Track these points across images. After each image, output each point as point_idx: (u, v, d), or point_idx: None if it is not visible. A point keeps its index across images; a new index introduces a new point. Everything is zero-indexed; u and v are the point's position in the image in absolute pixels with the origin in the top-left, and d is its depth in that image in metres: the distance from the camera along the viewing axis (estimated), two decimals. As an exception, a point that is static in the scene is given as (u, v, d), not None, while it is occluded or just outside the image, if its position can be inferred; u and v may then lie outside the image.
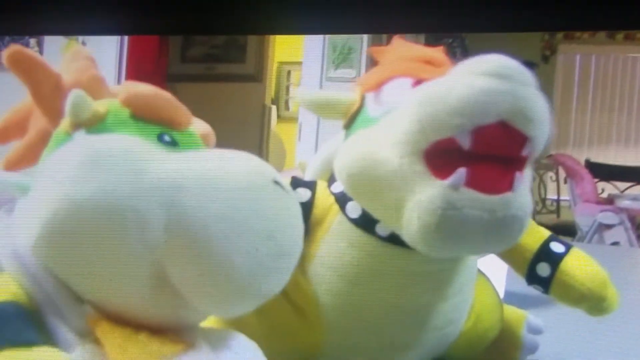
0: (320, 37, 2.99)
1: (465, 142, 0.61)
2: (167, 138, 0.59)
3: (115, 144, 0.57)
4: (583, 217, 3.16)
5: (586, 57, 4.66)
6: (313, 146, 2.96)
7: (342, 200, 0.74)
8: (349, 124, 0.74)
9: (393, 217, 0.66)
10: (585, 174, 3.33)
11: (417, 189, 0.63)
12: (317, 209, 0.75)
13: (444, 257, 0.72)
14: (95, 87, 0.64)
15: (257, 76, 3.89)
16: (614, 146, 4.50)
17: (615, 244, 3.00)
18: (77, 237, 0.54)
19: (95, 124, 0.59)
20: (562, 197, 3.93)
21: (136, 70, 3.03)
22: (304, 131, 3.02)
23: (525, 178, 0.65)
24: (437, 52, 0.76)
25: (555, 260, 0.79)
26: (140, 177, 0.55)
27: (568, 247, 0.81)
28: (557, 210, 3.99)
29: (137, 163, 0.56)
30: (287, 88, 4.41)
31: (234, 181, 0.57)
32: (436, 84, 0.64)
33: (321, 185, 0.77)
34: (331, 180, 0.76)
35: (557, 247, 0.80)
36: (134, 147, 0.57)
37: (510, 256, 0.81)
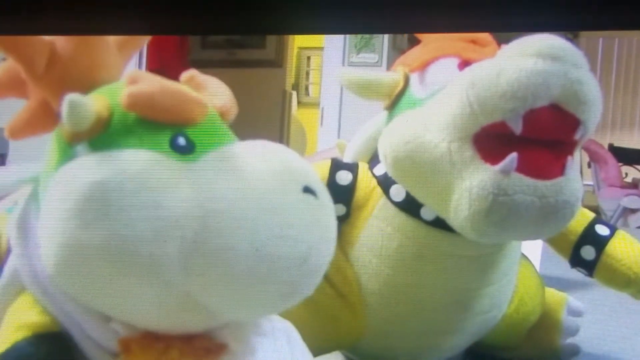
0: (341, 21, 2.98)
1: (517, 126, 0.60)
2: (181, 141, 0.53)
3: (124, 174, 0.51)
4: (607, 201, 3.14)
5: (609, 41, 4.60)
6: (335, 131, 2.95)
7: (385, 183, 0.73)
8: (393, 105, 0.73)
9: (440, 202, 0.65)
10: (610, 158, 3.30)
11: (466, 174, 0.62)
12: (360, 192, 0.74)
13: (493, 243, 0.71)
14: (96, 52, 0.58)
15: (277, 62, 3.88)
16: (637, 130, 4.45)
17: (639, 227, 2.98)
18: (92, 275, 0.51)
19: (98, 133, 0.53)
20: (584, 182, 3.90)
21: (158, 56, 3.03)
22: (326, 116, 3.01)
23: (575, 162, 0.64)
24: (483, 34, 0.74)
25: (600, 243, 0.78)
26: (155, 214, 0.50)
27: (613, 230, 0.79)
28: (580, 195, 3.96)
29: (150, 195, 0.50)
30: (307, 74, 4.40)
31: (260, 200, 0.52)
32: (485, 66, 0.62)
33: (363, 168, 0.76)
34: (373, 162, 0.75)
35: (602, 229, 0.79)
36: (145, 172, 0.51)
37: (553, 238, 0.79)
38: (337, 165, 0.75)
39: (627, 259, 0.77)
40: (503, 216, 0.62)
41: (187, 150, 0.54)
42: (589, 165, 3.44)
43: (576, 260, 0.79)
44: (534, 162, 0.61)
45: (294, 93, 4.09)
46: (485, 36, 0.73)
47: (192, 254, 0.50)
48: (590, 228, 0.78)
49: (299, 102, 4.22)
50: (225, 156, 0.55)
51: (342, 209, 0.73)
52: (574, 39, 4.55)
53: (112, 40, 0.61)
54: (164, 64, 3.10)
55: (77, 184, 0.51)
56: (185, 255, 0.50)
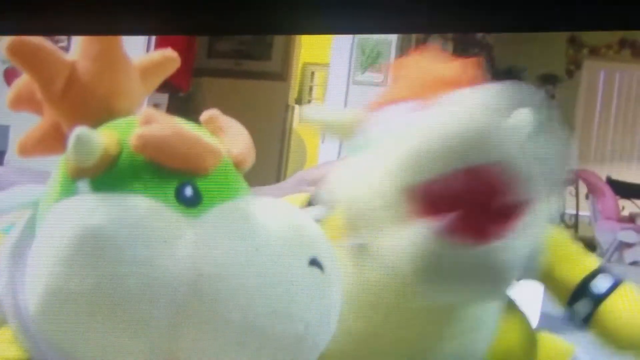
0: (349, 39, 2.99)
1: (457, 184, 0.58)
2: (188, 192, 0.51)
3: (121, 222, 0.48)
4: (604, 234, 3.14)
5: (610, 74, 4.63)
6: (337, 148, 2.96)
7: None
8: (354, 143, 0.71)
9: (387, 249, 0.63)
10: (607, 190, 3.31)
11: (405, 227, 0.60)
12: (330, 227, 0.70)
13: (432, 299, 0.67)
14: (118, 78, 0.56)
15: (282, 75, 3.89)
16: (635, 164, 4.47)
17: (634, 263, 2.98)
18: (75, 324, 0.49)
19: (102, 171, 0.50)
20: (581, 213, 3.91)
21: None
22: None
23: (527, 221, 0.61)
24: (457, 69, 0.71)
25: (596, 299, 0.72)
26: (147, 272, 0.48)
27: (616, 283, 0.73)
28: (576, 226, 3.97)
29: (144, 250, 0.48)
30: (311, 89, 4.41)
31: (262, 269, 0.50)
32: (432, 116, 0.61)
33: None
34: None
35: (602, 282, 0.72)
36: (142, 223, 0.49)
37: (549, 285, 0.75)
38: (314, 200, 0.74)
39: (624, 322, 0.71)
40: (436, 275, 0.60)
41: (193, 203, 0.51)
42: (587, 197, 3.45)
43: (571, 313, 0.74)
44: (472, 223, 0.59)
45: (297, 107, 4.10)
46: (458, 74, 0.70)
47: (181, 318, 0.48)
48: (588, 281, 0.73)
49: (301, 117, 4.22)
50: (232, 213, 0.52)
51: None
52: (575, 70, 4.58)
53: (136, 67, 0.59)
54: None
55: (72, 225, 0.49)
56: (174, 318, 0.48)
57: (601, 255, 3.10)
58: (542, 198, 0.61)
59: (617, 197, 3.41)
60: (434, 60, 0.73)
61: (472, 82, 0.67)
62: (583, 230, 3.81)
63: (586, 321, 0.73)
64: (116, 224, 0.48)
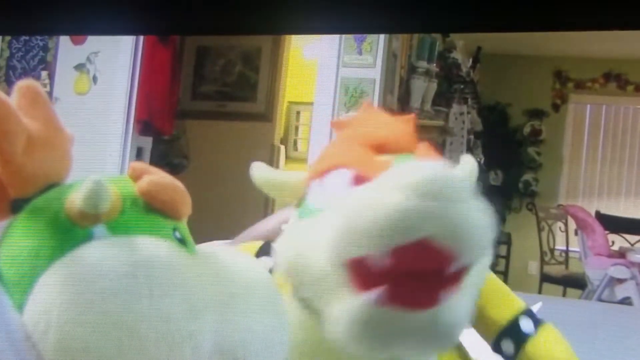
0: (332, 79, 2.99)
1: (384, 261, 0.59)
2: (178, 235, 0.56)
3: (154, 252, 0.53)
4: (594, 270, 3.11)
5: (597, 108, 4.66)
6: (322, 189, 2.93)
7: None
8: (299, 205, 0.72)
9: (327, 312, 0.65)
10: (597, 226, 3.29)
11: (340, 298, 0.62)
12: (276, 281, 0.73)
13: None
14: (67, 144, 0.60)
15: (267, 115, 3.88)
16: (624, 198, 4.47)
17: (626, 298, 2.95)
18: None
19: (113, 218, 0.54)
20: (571, 248, 3.88)
21: (147, 106, 3.02)
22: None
23: (463, 288, 0.62)
24: (395, 133, 0.73)
25: (521, 338, 0.75)
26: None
27: (538, 325, 0.76)
28: (566, 262, 3.94)
29: (182, 278, 0.53)
30: (297, 128, 4.40)
31: (258, 308, 0.55)
32: (364, 195, 0.62)
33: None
34: None
35: (527, 324, 0.76)
36: (169, 257, 0.54)
37: (478, 324, 0.77)
38: (263, 251, 0.76)
39: (550, 357, 0.74)
40: (371, 343, 0.61)
41: (182, 243, 0.56)
42: (576, 233, 3.43)
43: (498, 352, 0.77)
44: (405, 293, 0.60)
45: (283, 147, 4.09)
46: (396, 138, 0.72)
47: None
48: (514, 321, 0.76)
49: (287, 157, 4.21)
50: (211, 258, 0.58)
51: None
52: (562, 105, 4.60)
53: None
54: (153, 115, 3.08)
55: (112, 264, 0.52)
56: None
57: (592, 291, 3.07)
58: (482, 255, 0.63)
59: (607, 231, 3.39)
60: (374, 121, 0.75)
61: (408, 144, 0.69)
62: (574, 266, 3.78)
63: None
64: (150, 257, 0.53)
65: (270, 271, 0.72)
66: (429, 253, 0.59)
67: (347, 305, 0.61)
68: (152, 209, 0.56)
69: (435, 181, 0.59)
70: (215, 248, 0.62)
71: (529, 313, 0.77)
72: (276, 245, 0.70)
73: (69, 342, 0.50)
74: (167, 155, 3.64)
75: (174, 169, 3.65)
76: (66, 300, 0.51)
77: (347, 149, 0.71)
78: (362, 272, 0.61)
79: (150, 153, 3.20)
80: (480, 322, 0.75)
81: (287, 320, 0.58)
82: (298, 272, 0.67)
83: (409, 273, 0.60)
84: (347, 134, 0.74)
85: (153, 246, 0.54)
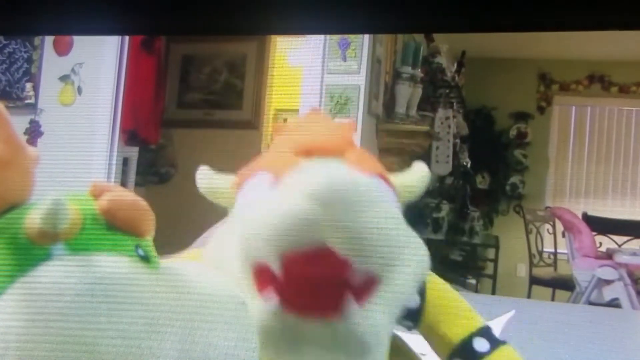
0: (317, 86, 2.99)
1: (276, 267, 0.59)
2: (140, 252, 0.56)
3: (113, 269, 0.53)
4: (582, 271, 3.12)
5: (582, 109, 4.68)
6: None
7: None
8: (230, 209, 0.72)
9: None
10: (584, 228, 3.30)
11: (250, 298, 0.61)
12: None
13: None
14: (30, 164, 0.59)
15: (253, 123, 3.88)
16: (610, 199, 4.49)
17: (614, 299, 2.96)
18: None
19: (75, 234, 0.54)
20: (559, 250, 3.90)
21: (132, 116, 3.01)
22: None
23: (375, 301, 0.61)
24: (325, 138, 0.70)
25: (475, 357, 0.72)
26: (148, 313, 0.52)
27: (495, 346, 0.73)
28: (555, 264, 3.95)
29: (142, 295, 0.53)
30: (283, 135, 4.40)
31: (222, 323, 0.55)
32: (262, 201, 0.62)
33: None
34: None
35: (482, 344, 0.72)
36: (129, 277, 0.54)
37: (431, 342, 0.74)
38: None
39: None
40: (276, 350, 0.61)
41: (146, 260, 0.56)
42: (563, 235, 3.44)
43: None
44: (303, 301, 0.60)
45: (270, 155, 4.09)
46: (322, 143, 0.69)
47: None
48: (468, 340, 0.72)
49: (274, 164, 4.20)
50: (175, 272, 0.57)
51: None
52: (547, 107, 4.62)
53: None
54: (138, 124, 3.07)
55: (70, 282, 0.51)
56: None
57: (580, 293, 3.08)
58: (388, 265, 0.61)
59: (594, 233, 3.40)
60: (310, 126, 0.73)
61: (337, 148, 0.67)
62: (562, 268, 3.79)
63: None
64: (112, 277, 0.52)
65: None
66: (325, 260, 0.58)
67: (254, 308, 0.60)
68: (113, 227, 0.55)
69: (333, 186, 0.58)
70: (180, 263, 0.62)
71: (485, 332, 0.74)
72: (205, 251, 0.70)
73: None
74: (154, 164, 3.63)
75: (161, 178, 3.65)
76: (25, 320, 0.51)
77: (273, 154, 0.71)
78: (264, 277, 0.61)
79: (137, 162, 3.19)
80: (434, 339, 0.73)
81: (254, 335, 0.58)
82: (222, 270, 0.65)
83: (306, 280, 0.59)
84: (281, 139, 0.73)
85: (112, 263, 0.53)
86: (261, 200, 0.62)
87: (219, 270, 0.63)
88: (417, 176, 0.73)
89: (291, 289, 0.59)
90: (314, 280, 0.59)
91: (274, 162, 0.68)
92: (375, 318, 0.62)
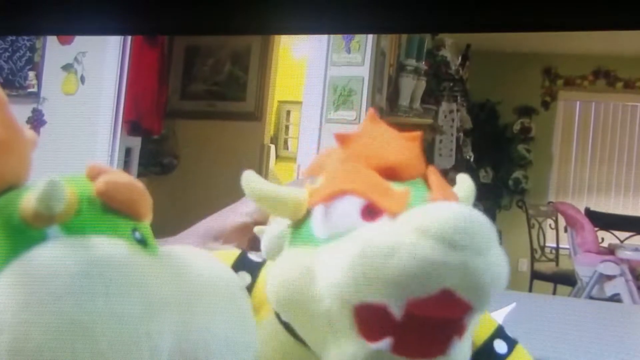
0: (321, 77, 2.98)
1: (398, 312, 0.54)
2: (138, 235, 0.55)
3: (109, 251, 0.52)
4: (583, 267, 3.12)
5: (586, 105, 4.67)
6: (311, 188, 2.92)
7: None
8: (296, 227, 0.65)
9: (318, 349, 0.61)
10: (586, 223, 3.30)
11: (341, 341, 0.58)
12: (255, 299, 0.67)
13: None
14: (27, 147, 0.58)
15: (257, 115, 3.87)
16: (613, 195, 4.48)
17: (615, 295, 2.95)
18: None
19: (71, 217, 0.53)
20: (561, 245, 3.89)
21: (134, 106, 3.01)
22: (302, 173, 2.99)
23: (463, 339, 0.58)
24: (405, 155, 0.65)
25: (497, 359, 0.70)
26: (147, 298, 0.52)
27: (511, 348, 0.71)
28: (556, 259, 3.95)
29: (139, 277, 0.52)
30: (287, 127, 4.40)
31: (220, 308, 0.55)
32: (379, 239, 0.56)
33: (264, 271, 0.70)
34: None
35: (500, 346, 0.71)
36: (129, 260, 0.53)
37: None
38: (240, 263, 0.71)
39: None
40: None
41: (143, 244, 0.55)
42: (565, 230, 3.44)
43: None
44: (413, 344, 0.56)
45: (273, 147, 4.08)
46: (405, 161, 0.64)
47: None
48: (489, 343, 0.71)
49: (277, 156, 4.20)
50: (175, 257, 0.57)
51: None
52: (551, 102, 4.61)
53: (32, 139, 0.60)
54: (141, 115, 3.07)
55: (65, 263, 0.51)
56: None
57: (582, 288, 3.07)
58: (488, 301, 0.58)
59: (596, 228, 3.39)
60: (380, 138, 0.66)
61: (418, 168, 0.63)
62: (564, 263, 3.79)
63: None
64: (110, 257, 0.52)
65: (249, 288, 0.68)
66: (447, 304, 0.54)
67: (349, 352, 0.57)
68: (110, 209, 0.55)
69: (464, 230, 0.54)
70: (178, 247, 0.61)
71: (502, 333, 0.73)
72: (269, 276, 0.64)
73: (22, 343, 0.49)
74: (157, 155, 3.63)
75: (163, 169, 3.65)
76: (20, 302, 0.50)
77: (355, 173, 0.63)
78: (370, 319, 0.56)
79: (139, 153, 3.19)
80: None
81: (252, 320, 0.57)
82: (291, 306, 0.61)
83: (426, 323, 0.55)
84: (353, 152, 0.66)
85: (108, 245, 0.53)
86: (376, 236, 0.56)
87: (289, 299, 0.60)
88: (467, 193, 0.69)
89: (408, 332, 0.55)
90: (434, 324, 0.56)
91: (362, 184, 0.62)
92: (468, 350, 0.60)
